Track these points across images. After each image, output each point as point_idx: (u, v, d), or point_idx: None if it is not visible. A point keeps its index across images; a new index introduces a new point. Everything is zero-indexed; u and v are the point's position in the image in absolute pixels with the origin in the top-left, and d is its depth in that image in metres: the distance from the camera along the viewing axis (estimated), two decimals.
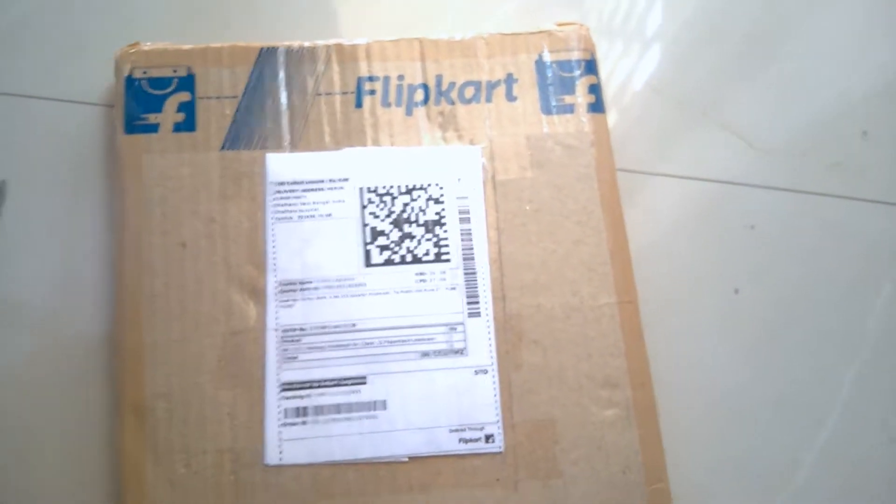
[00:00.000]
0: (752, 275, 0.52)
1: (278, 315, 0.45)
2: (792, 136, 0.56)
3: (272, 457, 0.43)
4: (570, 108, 0.50)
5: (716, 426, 0.49)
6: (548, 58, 0.51)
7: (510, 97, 0.50)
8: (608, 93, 0.56)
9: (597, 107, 0.50)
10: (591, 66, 0.51)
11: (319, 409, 0.44)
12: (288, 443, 0.43)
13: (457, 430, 0.44)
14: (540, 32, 0.52)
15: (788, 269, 0.52)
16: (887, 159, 0.55)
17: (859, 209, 0.54)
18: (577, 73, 0.51)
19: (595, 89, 0.51)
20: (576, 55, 0.51)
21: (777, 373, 0.50)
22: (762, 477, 0.48)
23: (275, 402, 0.44)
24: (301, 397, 0.44)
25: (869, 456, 0.49)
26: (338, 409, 0.44)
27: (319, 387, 0.44)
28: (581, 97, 0.50)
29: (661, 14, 0.59)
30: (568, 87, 0.51)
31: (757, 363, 0.50)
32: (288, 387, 0.44)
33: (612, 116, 0.54)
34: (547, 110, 0.50)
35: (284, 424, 0.43)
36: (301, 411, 0.44)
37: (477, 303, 0.46)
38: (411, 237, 0.47)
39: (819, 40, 0.58)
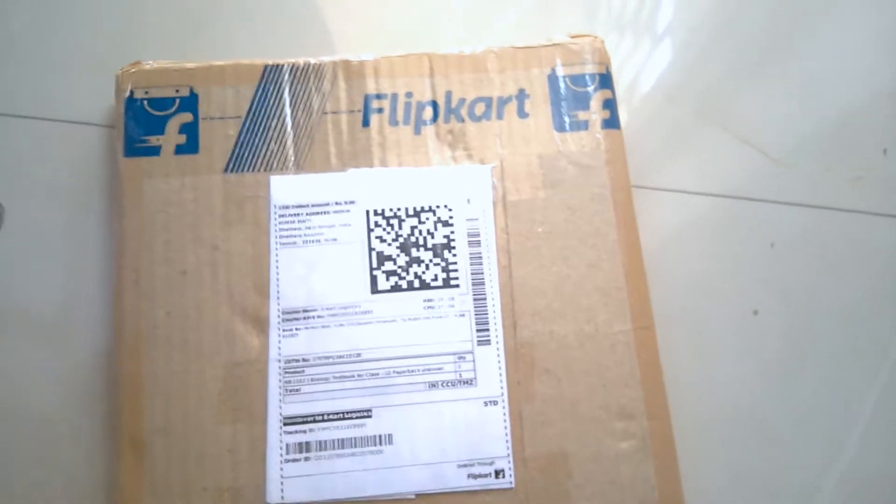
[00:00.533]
0: (771, 295, 0.50)
1: (281, 345, 0.43)
2: (812, 149, 0.53)
3: (274, 495, 0.41)
4: (584, 125, 0.48)
5: (734, 453, 0.47)
6: (561, 72, 0.49)
7: (522, 113, 0.48)
8: (618, 98, 0.53)
9: (612, 123, 0.48)
10: (605, 80, 0.49)
11: (323, 445, 0.42)
12: (290, 480, 0.41)
13: (465, 465, 0.42)
14: (553, 45, 0.49)
15: (809, 287, 0.50)
16: None
17: (882, 225, 0.51)
18: (592, 87, 0.49)
19: (610, 104, 0.49)
20: (590, 69, 0.49)
21: (797, 396, 0.48)
22: None
23: (276, 438, 0.42)
24: (304, 432, 0.42)
25: (891, 480, 0.46)
26: (342, 444, 0.42)
27: (323, 420, 0.43)
28: (595, 113, 0.48)
29: (672, 15, 0.56)
30: (582, 102, 0.48)
31: (777, 387, 0.48)
32: (290, 421, 0.42)
33: (623, 125, 0.52)
34: (560, 127, 0.48)
35: (286, 461, 0.42)
36: (304, 447, 0.42)
37: (487, 330, 0.44)
38: (419, 262, 0.45)
39: (840, 41, 0.55)
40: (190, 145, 0.46)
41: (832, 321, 0.49)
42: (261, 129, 0.47)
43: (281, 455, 0.42)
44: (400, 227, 0.46)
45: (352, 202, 0.46)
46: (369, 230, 0.45)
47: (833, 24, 0.56)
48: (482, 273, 0.45)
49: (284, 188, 0.46)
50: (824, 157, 0.53)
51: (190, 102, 0.47)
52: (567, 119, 0.48)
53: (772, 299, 0.49)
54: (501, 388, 0.43)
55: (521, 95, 0.48)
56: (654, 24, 0.56)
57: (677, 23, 0.56)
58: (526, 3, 0.56)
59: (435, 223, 0.46)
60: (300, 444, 0.42)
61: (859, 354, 0.49)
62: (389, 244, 0.45)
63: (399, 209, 0.46)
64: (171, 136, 0.46)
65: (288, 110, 0.47)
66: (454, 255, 0.45)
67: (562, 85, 0.49)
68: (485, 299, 0.45)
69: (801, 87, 0.54)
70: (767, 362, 0.48)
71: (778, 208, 0.51)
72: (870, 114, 0.54)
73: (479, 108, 0.48)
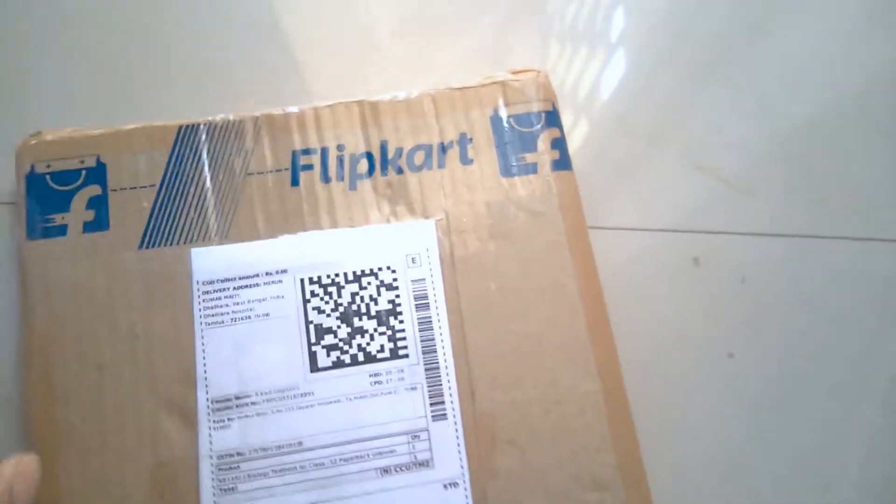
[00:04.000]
0: (746, 335, 0.45)
1: (212, 439, 0.37)
2: (772, 171, 0.48)
3: None
4: (532, 168, 0.43)
5: None
6: (504, 112, 0.44)
7: (465, 160, 0.43)
8: (567, 122, 0.48)
9: (562, 163, 0.43)
10: (552, 118, 0.44)
11: None
12: None
13: None
14: (493, 84, 0.44)
15: (785, 323, 0.45)
16: (877, 189, 0.48)
17: (854, 249, 0.46)
18: (538, 126, 0.43)
19: (559, 143, 0.43)
20: (535, 107, 0.44)
21: (781, 442, 0.43)
22: None
23: None
24: None
25: None
26: None
27: None
28: (544, 154, 0.43)
29: (621, 32, 0.51)
30: (528, 143, 0.43)
31: (759, 434, 0.43)
32: None
33: (575, 161, 0.46)
34: (507, 172, 0.42)
35: None
36: None
37: (442, 403, 0.39)
38: (363, 332, 0.40)
39: (793, 55, 0.51)
40: (99, 221, 0.40)
41: (812, 357, 0.44)
42: (178, 198, 0.41)
43: None
44: (339, 296, 0.40)
45: (283, 271, 0.40)
46: (305, 301, 0.40)
47: (785, 39, 0.51)
48: (433, 339, 0.40)
49: (207, 261, 0.40)
50: (785, 180, 0.48)
51: (97, 173, 0.41)
52: (514, 162, 0.43)
53: (747, 339, 0.44)
54: (462, 467, 0.38)
55: (463, 140, 0.43)
56: (607, 38, 0.51)
57: (628, 39, 0.51)
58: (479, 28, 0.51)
59: (378, 287, 0.40)
60: None
61: (843, 391, 0.44)
62: (328, 315, 0.40)
63: (337, 275, 0.40)
64: (78, 212, 0.40)
65: (207, 174, 0.41)
66: (401, 322, 0.40)
67: (506, 126, 0.43)
68: (438, 369, 0.39)
69: (755, 105, 0.50)
70: (749, 409, 0.43)
71: (744, 240, 0.46)
72: (828, 129, 0.49)
73: (419, 157, 0.43)
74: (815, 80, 0.50)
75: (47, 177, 0.41)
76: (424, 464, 0.38)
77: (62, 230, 0.40)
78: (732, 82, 0.50)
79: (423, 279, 0.40)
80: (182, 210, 0.41)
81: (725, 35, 0.51)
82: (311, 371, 0.39)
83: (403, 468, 0.38)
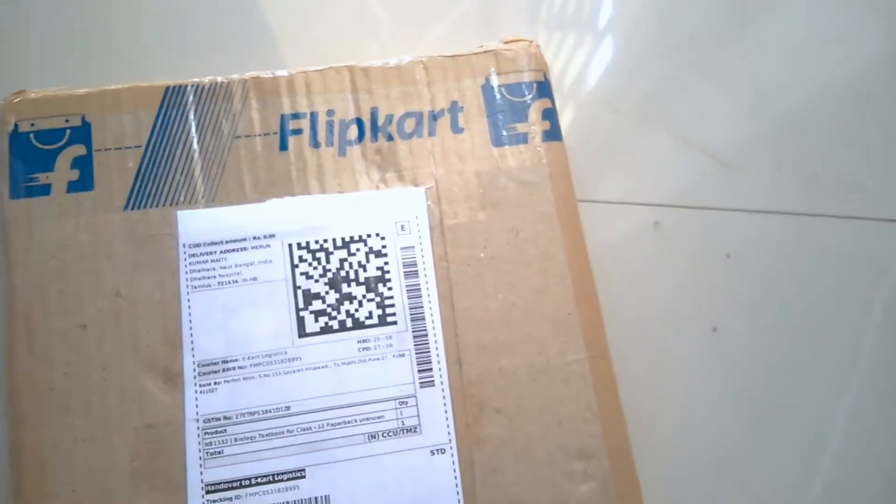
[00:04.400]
0: (730, 309, 0.45)
1: (199, 402, 0.37)
2: (761, 150, 0.48)
3: None
4: (523, 138, 0.42)
5: (702, 483, 0.42)
6: (495, 81, 0.43)
7: (456, 128, 0.42)
8: (559, 106, 0.48)
9: (553, 134, 0.43)
10: (544, 89, 0.43)
11: None
12: None
13: None
14: (485, 52, 0.44)
15: (769, 298, 0.45)
16: (866, 168, 0.48)
17: (840, 227, 0.47)
18: (529, 96, 0.43)
19: (550, 114, 0.43)
20: (527, 76, 0.44)
21: (765, 418, 0.43)
22: None
23: None
24: (230, 499, 0.36)
25: (863, 501, 0.42)
26: None
27: (251, 485, 0.36)
28: (535, 124, 0.43)
29: (611, 15, 0.51)
30: (520, 113, 0.43)
31: (742, 409, 0.43)
32: (213, 488, 0.36)
33: (563, 131, 0.46)
34: (498, 141, 0.42)
35: None
36: None
37: (430, 370, 0.39)
38: (351, 298, 0.39)
39: (787, 36, 0.51)
40: (84, 181, 0.39)
41: (796, 333, 0.45)
42: (164, 159, 0.40)
43: None
44: (327, 261, 0.40)
45: (272, 236, 0.40)
46: (293, 266, 0.39)
47: (775, 21, 0.51)
48: (421, 307, 0.39)
49: (194, 224, 0.39)
50: (775, 158, 0.48)
51: (82, 133, 0.40)
52: (505, 132, 0.42)
53: (731, 314, 0.45)
54: (449, 433, 0.38)
55: (455, 108, 0.43)
56: (595, 24, 0.51)
57: (616, 25, 0.51)
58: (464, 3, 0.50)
59: (366, 254, 0.40)
60: None
61: (827, 368, 0.44)
62: (316, 281, 0.39)
63: (325, 241, 0.40)
64: (63, 172, 0.39)
65: (194, 136, 0.41)
66: (389, 289, 0.39)
67: (497, 95, 0.43)
68: (426, 336, 0.39)
69: (746, 85, 0.50)
70: (732, 382, 0.44)
71: (731, 216, 0.47)
72: (818, 110, 0.49)
73: (410, 125, 0.42)
74: (807, 63, 0.51)
75: (31, 135, 0.40)
76: (412, 430, 0.38)
77: (46, 189, 0.39)
78: (724, 65, 0.50)
79: (413, 247, 0.40)
80: (168, 171, 0.40)
81: (717, 19, 0.51)
82: (300, 336, 0.38)
83: (391, 434, 0.37)
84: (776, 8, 0.52)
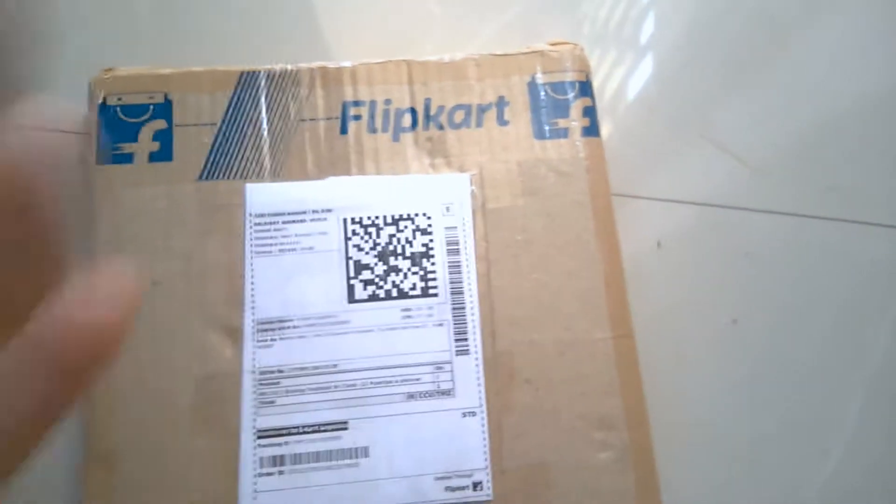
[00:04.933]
0: (750, 304, 0.47)
1: (255, 356, 0.41)
2: (788, 159, 0.51)
3: None
4: (564, 133, 0.45)
5: (715, 463, 0.45)
6: (541, 79, 0.46)
7: (502, 121, 0.46)
8: (600, 108, 0.51)
9: (591, 130, 0.46)
10: (585, 88, 0.47)
11: (297, 458, 0.39)
12: (264, 494, 0.39)
13: (443, 478, 0.40)
14: (532, 52, 0.47)
15: (787, 296, 0.48)
16: (884, 180, 0.50)
17: (857, 232, 0.49)
18: (572, 95, 0.46)
19: (590, 112, 0.46)
20: (570, 76, 0.47)
21: (778, 406, 0.46)
22: None
23: (250, 451, 0.39)
24: (278, 445, 0.40)
25: (874, 495, 0.44)
26: (317, 457, 0.39)
27: (298, 433, 0.40)
28: (575, 121, 0.46)
29: (653, 26, 0.54)
30: (562, 109, 0.46)
31: (757, 396, 0.46)
32: (264, 434, 0.40)
33: (603, 134, 0.49)
34: (540, 135, 0.45)
35: (260, 475, 0.39)
36: (278, 460, 0.39)
37: (466, 340, 0.42)
38: (397, 271, 0.43)
39: (817, 53, 0.53)
40: (164, 153, 0.43)
41: (811, 329, 0.47)
42: (236, 137, 0.44)
43: (255, 469, 0.39)
44: (378, 236, 0.43)
45: (328, 210, 0.43)
46: (346, 239, 0.43)
47: (808, 39, 0.54)
48: (461, 282, 0.43)
49: (260, 196, 0.43)
50: (800, 167, 0.51)
51: (164, 109, 0.44)
52: (547, 127, 0.45)
53: (750, 308, 0.47)
54: (480, 398, 0.41)
55: (501, 103, 0.46)
56: (637, 38, 0.54)
57: (658, 37, 0.54)
58: (508, 17, 0.53)
59: (413, 231, 0.43)
60: (274, 457, 0.39)
61: (839, 363, 0.47)
62: (367, 253, 0.43)
63: (377, 217, 0.43)
64: (145, 143, 0.43)
65: (264, 117, 0.44)
66: (432, 264, 0.43)
67: (542, 92, 0.46)
68: (463, 308, 0.42)
69: (778, 98, 0.52)
70: (748, 372, 0.46)
71: (754, 216, 0.49)
72: (843, 124, 0.52)
73: (459, 116, 0.46)
74: (836, 78, 0.53)
75: (118, 109, 0.44)
76: (446, 393, 0.41)
77: (129, 158, 0.43)
78: (757, 78, 0.52)
79: (456, 227, 0.44)
80: (239, 148, 0.44)
81: (752, 35, 0.54)
82: (349, 302, 0.42)
83: (427, 395, 0.41)
84: (809, 25, 0.54)
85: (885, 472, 0.45)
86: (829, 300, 0.48)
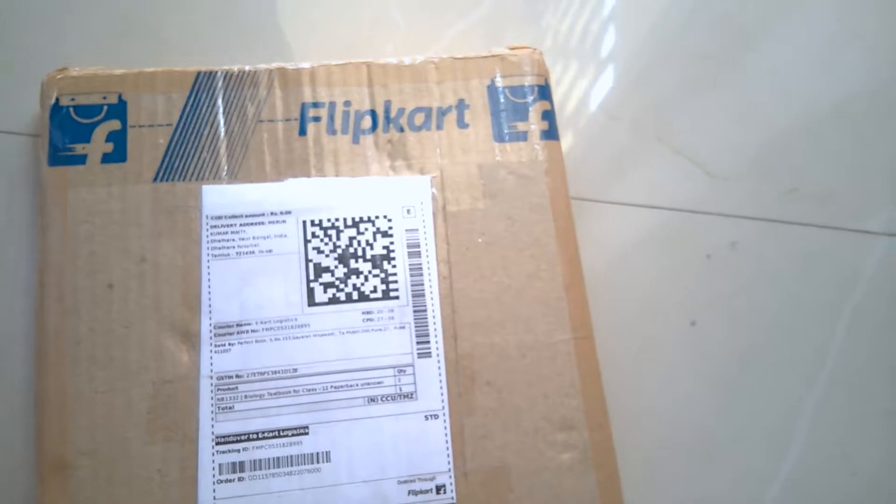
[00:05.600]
0: (708, 306, 0.48)
1: (213, 361, 0.40)
2: (747, 162, 0.52)
3: None
4: (523, 136, 0.46)
5: (676, 464, 0.45)
6: (500, 83, 0.47)
7: (462, 124, 0.46)
8: (562, 117, 0.51)
9: (550, 134, 0.46)
10: (544, 92, 0.47)
11: (258, 464, 0.39)
12: (223, 501, 0.38)
13: (406, 482, 0.39)
14: (492, 56, 0.47)
15: (745, 299, 0.49)
16: (844, 183, 0.52)
17: (815, 235, 0.50)
18: (531, 98, 0.46)
19: (549, 115, 0.46)
20: (529, 80, 0.47)
21: (737, 406, 0.46)
22: None
23: (209, 457, 0.38)
24: (238, 451, 0.39)
25: (832, 490, 0.45)
26: (277, 462, 0.39)
27: (258, 439, 0.39)
28: (534, 124, 0.46)
29: (615, 36, 0.54)
30: (521, 113, 0.46)
31: (716, 397, 0.46)
32: (223, 440, 0.39)
33: (565, 141, 0.50)
34: (500, 138, 0.45)
35: (219, 481, 0.38)
36: (237, 466, 0.38)
37: (427, 342, 0.42)
38: (358, 273, 0.42)
39: (775, 64, 0.55)
40: (118, 154, 0.42)
41: (768, 331, 0.48)
42: (193, 138, 0.43)
43: (213, 476, 0.38)
44: (338, 238, 0.43)
45: (287, 212, 0.43)
46: (306, 241, 0.42)
47: (768, 46, 0.55)
48: (422, 284, 0.42)
49: (217, 198, 0.42)
50: (759, 171, 0.52)
51: (118, 110, 0.43)
52: (507, 130, 0.46)
53: (709, 310, 0.48)
54: (442, 401, 0.41)
55: (461, 106, 0.46)
56: (599, 48, 0.54)
57: (620, 46, 0.54)
58: (468, 22, 0.54)
59: (374, 234, 0.43)
60: (234, 463, 0.38)
61: (796, 363, 0.47)
62: (327, 255, 0.42)
63: (337, 220, 0.43)
64: (98, 144, 0.42)
65: (221, 118, 0.44)
66: (394, 267, 0.43)
67: (501, 96, 0.46)
68: (425, 311, 0.42)
69: (737, 105, 0.53)
70: (706, 373, 0.47)
71: (714, 220, 0.50)
72: (802, 129, 0.53)
73: (419, 118, 0.45)
74: (797, 87, 0.54)
75: (71, 109, 0.43)
76: (408, 396, 0.41)
77: (82, 159, 0.42)
78: (719, 84, 0.53)
79: (417, 229, 0.43)
80: (196, 149, 0.43)
81: (717, 43, 0.55)
82: (309, 305, 0.41)
83: (389, 398, 0.40)
84: (769, 32, 0.55)
85: (837, 469, 0.46)
86: (787, 301, 0.48)
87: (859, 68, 0.55)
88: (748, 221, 0.50)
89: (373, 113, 0.45)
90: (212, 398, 0.39)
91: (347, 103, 0.45)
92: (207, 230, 0.42)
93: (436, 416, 0.40)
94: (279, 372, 0.40)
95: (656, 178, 0.51)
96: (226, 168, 0.43)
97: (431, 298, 0.42)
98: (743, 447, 0.45)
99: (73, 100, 0.43)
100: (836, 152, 0.52)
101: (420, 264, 0.43)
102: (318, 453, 0.39)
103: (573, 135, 0.51)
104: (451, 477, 0.39)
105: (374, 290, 0.42)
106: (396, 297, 0.42)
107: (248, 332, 0.40)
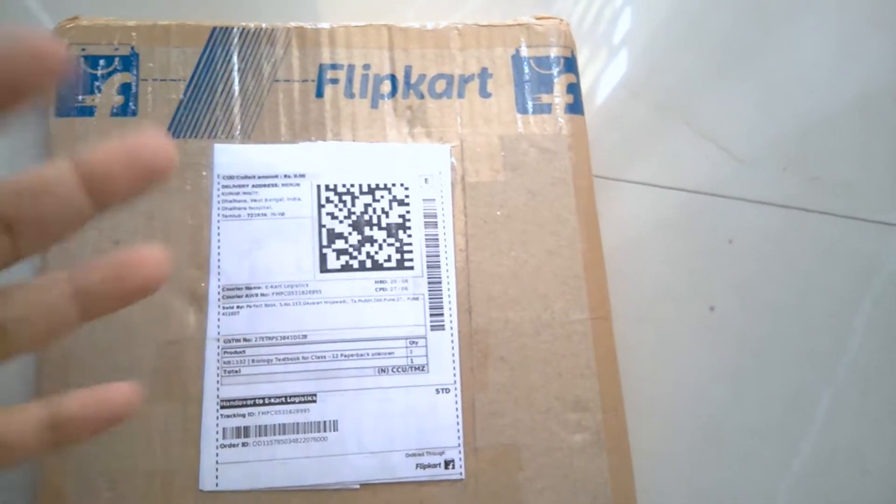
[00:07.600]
0: (728, 291, 0.48)
1: (220, 323, 0.40)
2: (769, 148, 0.51)
3: (208, 482, 0.37)
4: (547, 108, 0.45)
5: (688, 451, 0.45)
6: (525, 52, 0.46)
7: (484, 93, 0.45)
8: (583, 91, 0.51)
9: (575, 108, 0.46)
10: (570, 64, 0.47)
11: (263, 430, 0.38)
12: (226, 466, 0.38)
13: (414, 455, 0.39)
14: (518, 25, 0.47)
15: (766, 285, 0.48)
16: (866, 174, 0.51)
17: (837, 224, 0.50)
18: (556, 70, 0.46)
19: (574, 89, 0.46)
20: (555, 51, 0.47)
21: (752, 395, 0.46)
22: None
23: (213, 421, 0.38)
24: (243, 416, 0.39)
25: (842, 488, 0.45)
26: (283, 429, 0.39)
27: (264, 404, 0.39)
28: (559, 97, 0.46)
29: (637, 15, 0.54)
30: (546, 85, 0.46)
31: (731, 385, 0.46)
32: (228, 404, 0.39)
33: (586, 117, 0.49)
34: (523, 109, 0.45)
35: (223, 446, 0.38)
36: (242, 431, 0.38)
37: (441, 315, 0.41)
38: (372, 241, 0.42)
39: (802, 47, 0.54)
40: (128, 107, 0.42)
41: (788, 319, 0.48)
42: (206, 95, 0.43)
43: (217, 440, 0.38)
44: (353, 205, 0.42)
45: (302, 175, 0.42)
46: (320, 206, 0.42)
47: (795, 33, 0.55)
48: (438, 256, 0.42)
49: (229, 157, 0.42)
50: (782, 156, 0.51)
51: (130, 62, 0.43)
52: (530, 101, 0.45)
53: (728, 296, 0.48)
54: (454, 375, 0.41)
55: (484, 74, 0.46)
56: (623, 24, 0.54)
57: (644, 24, 0.54)
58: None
59: (390, 202, 0.43)
60: (238, 428, 0.38)
61: (815, 353, 0.47)
62: (341, 221, 0.42)
63: (352, 185, 0.43)
64: (108, 96, 0.42)
65: (236, 76, 0.43)
66: (409, 236, 0.42)
67: (526, 66, 0.46)
68: (440, 283, 0.42)
69: (763, 91, 0.53)
70: (723, 358, 0.47)
71: (737, 205, 0.50)
72: (828, 118, 0.53)
73: (440, 86, 0.45)
74: (821, 72, 0.54)
75: (80, 59, 0.42)
76: (420, 368, 0.40)
77: (90, 111, 0.42)
78: (744, 70, 0.53)
79: (434, 199, 0.43)
80: (209, 106, 0.43)
81: (742, 28, 0.54)
82: (321, 271, 0.41)
83: (400, 370, 0.40)
84: (797, 17, 0.55)
85: (852, 469, 0.45)
86: (807, 290, 0.48)
87: (885, 59, 0.55)
88: (771, 208, 0.50)
89: (392, 78, 0.45)
90: (218, 361, 0.39)
91: (367, 66, 0.45)
92: (219, 190, 0.41)
93: (447, 390, 0.40)
94: (288, 337, 0.40)
95: (679, 160, 0.50)
96: (239, 127, 0.43)
97: (447, 270, 0.42)
98: (757, 437, 0.45)
99: (83, 49, 0.43)
100: (859, 143, 0.52)
101: (436, 235, 0.42)
102: (325, 422, 0.39)
103: (593, 109, 0.51)
104: (460, 452, 0.39)
105: (389, 259, 0.42)
106: (411, 268, 0.42)
107: (257, 295, 0.40)
